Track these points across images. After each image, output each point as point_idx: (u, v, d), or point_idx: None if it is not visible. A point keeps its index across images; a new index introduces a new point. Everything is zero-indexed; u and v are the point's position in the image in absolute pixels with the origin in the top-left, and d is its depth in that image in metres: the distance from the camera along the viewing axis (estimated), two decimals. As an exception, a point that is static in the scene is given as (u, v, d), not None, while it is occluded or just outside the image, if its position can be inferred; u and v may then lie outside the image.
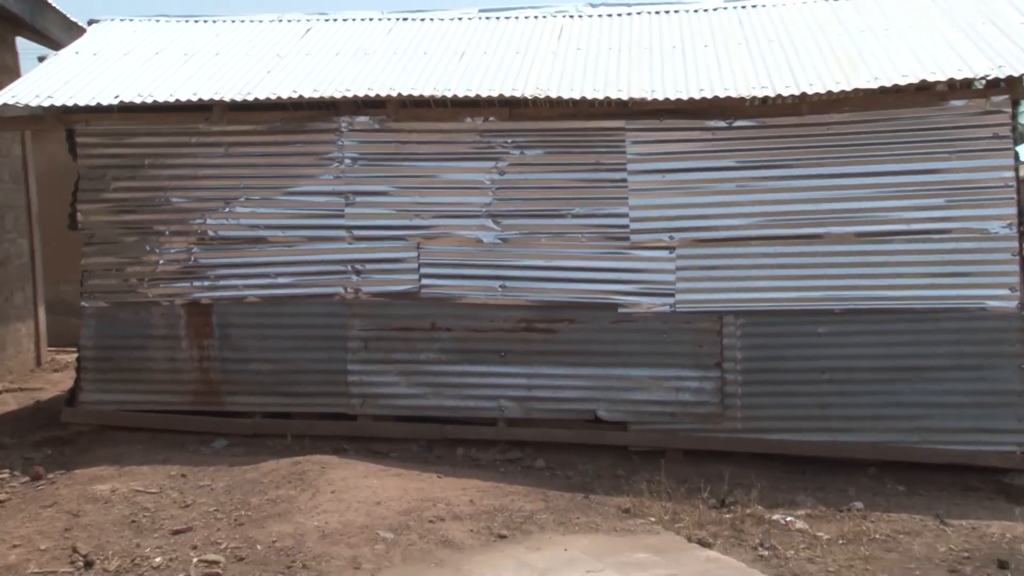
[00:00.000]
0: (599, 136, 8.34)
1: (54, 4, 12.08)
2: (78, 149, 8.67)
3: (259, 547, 6.12)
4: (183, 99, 8.23)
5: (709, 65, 8.51)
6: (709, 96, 7.93)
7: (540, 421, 8.47)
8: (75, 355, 9.16)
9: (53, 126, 8.82)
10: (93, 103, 8.23)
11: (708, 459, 8.17)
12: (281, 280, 8.57)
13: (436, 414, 8.55)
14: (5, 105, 8.28)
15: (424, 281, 8.51)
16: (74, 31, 11.79)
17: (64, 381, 11.00)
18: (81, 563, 5.96)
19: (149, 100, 8.24)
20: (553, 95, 8.12)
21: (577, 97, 8.08)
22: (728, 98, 7.89)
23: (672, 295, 8.29)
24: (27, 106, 8.31)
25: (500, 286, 8.43)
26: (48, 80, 8.73)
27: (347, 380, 8.58)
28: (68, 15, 12.45)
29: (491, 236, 8.44)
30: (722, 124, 8.18)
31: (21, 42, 12.78)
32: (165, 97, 8.24)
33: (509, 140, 8.43)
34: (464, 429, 8.52)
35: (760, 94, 7.89)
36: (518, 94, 8.15)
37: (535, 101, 8.30)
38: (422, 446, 8.51)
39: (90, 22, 10.65)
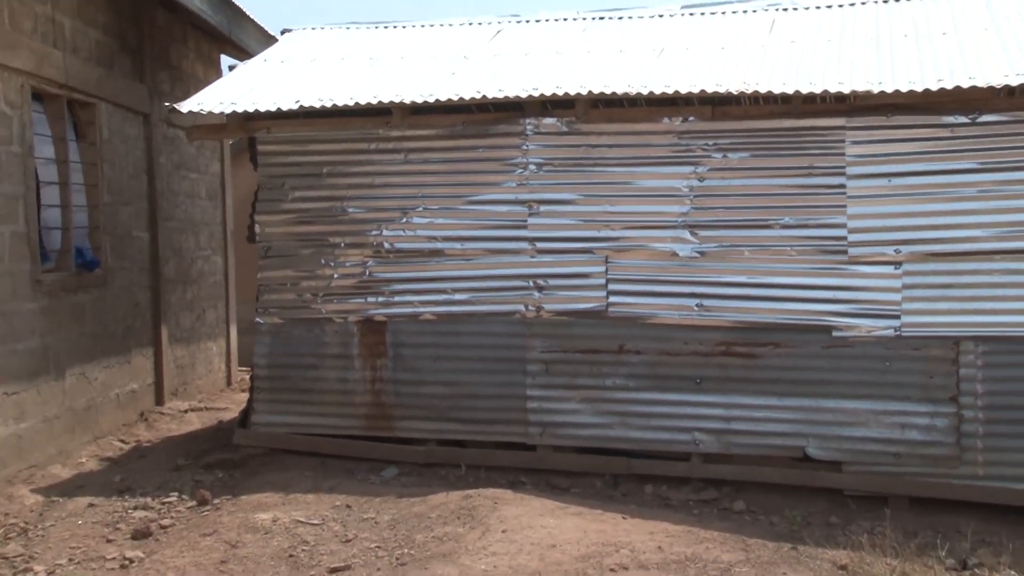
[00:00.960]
0: (814, 136, 7.35)
1: (252, 16, 12.05)
2: (259, 158, 8.36)
3: (420, 591, 5.46)
4: (362, 102, 7.75)
5: (950, 54, 7.41)
6: (949, 87, 6.82)
7: (739, 457, 7.52)
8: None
9: (236, 134, 8.57)
10: (274, 108, 7.88)
11: (941, 509, 7.03)
12: (458, 296, 7.95)
13: (622, 446, 7.72)
14: (190, 113, 8.04)
15: (612, 299, 7.70)
16: (271, 44, 11.70)
17: (250, 401, 10.81)
18: (230, 600, 5.47)
19: (329, 104, 7.81)
20: (762, 90, 7.18)
21: (790, 92, 7.11)
22: (973, 89, 6.76)
23: (897, 317, 7.18)
24: (211, 113, 8.05)
25: (697, 304, 7.53)
26: (233, 88, 8.48)
27: (526, 407, 7.85)
28: (266, 28, 12.43)
29: (688, 249, 7.56)
30: (963, 120, 7.03)
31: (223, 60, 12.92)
32: (345, 101, 7.80)
33: (710, 142, 7.55)
34: (653, 464, 7.66)
35: (1015, 83, 6.69)
36: (722, 90, 7.26)
37: (741, 98, 7.42)
38: (606, 482, 7.70)
39: (283, 32, 10.51)
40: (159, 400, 10.51)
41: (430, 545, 6.11)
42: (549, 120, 7.84)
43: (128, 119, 9.97)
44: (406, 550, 6.08)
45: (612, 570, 5.65)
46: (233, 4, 11.35)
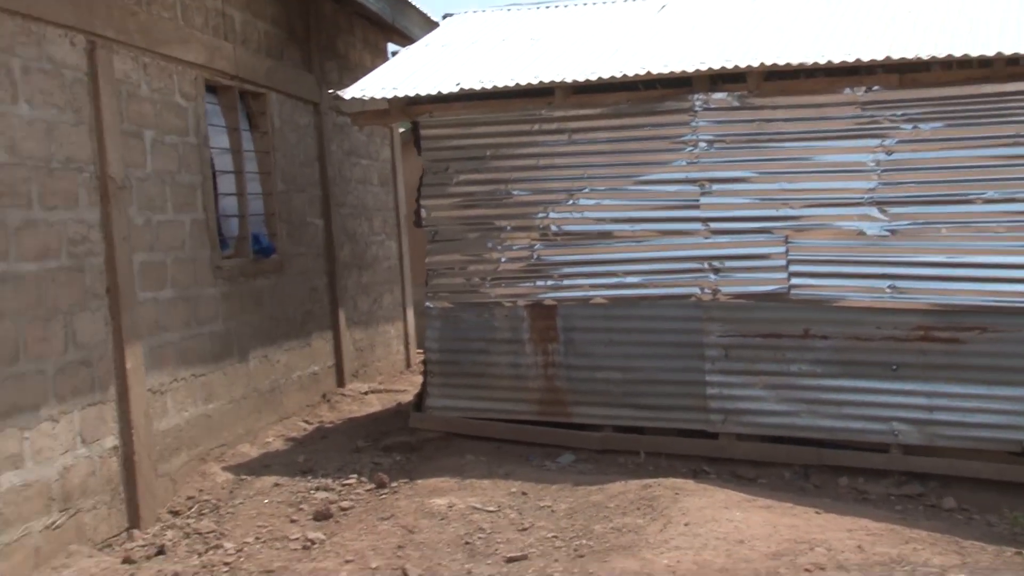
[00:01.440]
0: (1021, 102, 6.75)
1: (413, 3, 12.07)
2: (422, 142, 8.32)
3: (600, 586, 5.29)
4: (523, 83, 7.60)
5: None
6: None
7: (945, 450, 7.02)
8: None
9: (399, 119, 8.56)
10: (435, 92, 7.82)
11: None
12: (630, 279, 7.71)
13: (811, 435, 7.33)
14: (354, 99, 8.07)
15: (794, 280, 7.31)
16: (434, 30, 11.70)
17: (428, 384, 10.90)
18: (409, 588, 5.45)
19: (489, 86, 7.68)
20: (957, 54, 6.64)
21: (991, 54, 6.54)
22: None
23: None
24: (373, 99, 8.06)
25: (889, 286, 7.07)
26: (396, 73, 8.47)
27: (705, 393, 7.56)
28: (428, 15, 12.45)
29: (876, 227, 7.10)
30: None
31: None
32: (506, 82, 7.65)
33: (899, 113, 7.05)
34: (847, 455, 7.26)
35: None
36: (911, 56, 6.75)
37: (933, 63, 6.87)
38: (796, 472, 7.35)
39: (444, 16, 10.48)
40: (340, 382, 10.71)
41: (609, 536, 5.94)
42: (719, 95, 7.48)
43: (298, 108, 10.14)
44: (584, 541, 5.93)
45: (807, 570, 5.32)
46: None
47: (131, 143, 7.10)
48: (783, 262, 7.33)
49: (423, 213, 8.32)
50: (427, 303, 8.33)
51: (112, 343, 6.66)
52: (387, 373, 12.07)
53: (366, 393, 10.62)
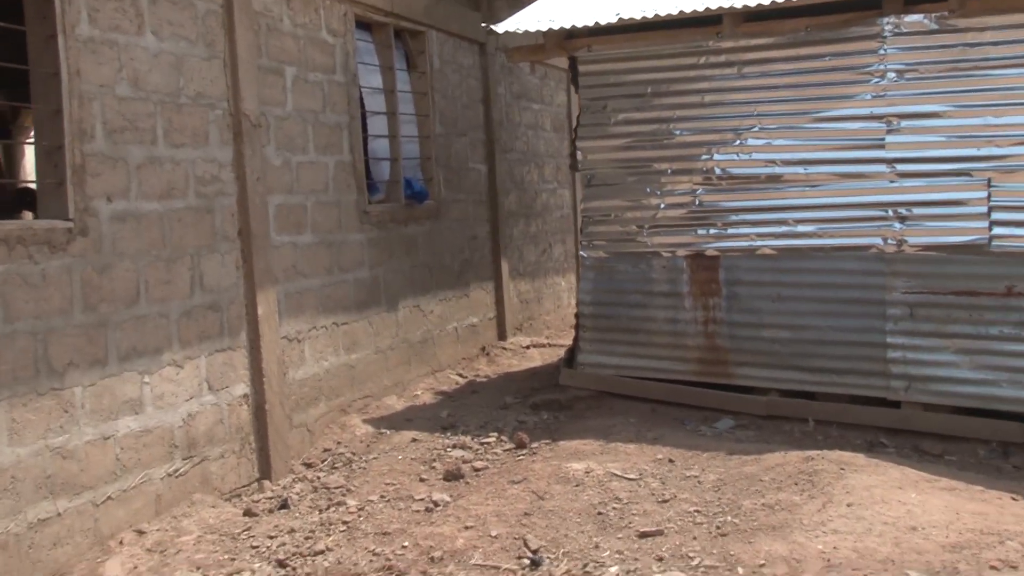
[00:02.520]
0: None
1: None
2: (579, 79, 7.71)
3: (740, 570, 4.63)
4: (688, 11, 6.85)
5: None
6: None
7: None
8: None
9: (556, 54, 7.95)
10: (592, 24, 7.17)
11: None
12: (801, 228, 6.90)
13: (1013, 408, 6.35)
14: (507, 33, 7.53)
15: (997, 230, 6.33)
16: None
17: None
18: (528, 560, 4.94)
19: (651, 15, 6.98)
20: None
21: None
22: None
23: None
24: (527, 32, 7.50)
25: (1120, 238, 5.99)
26: (554, 5, 7.87)
27: (886, 356, 6.69)
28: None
29: (1100, 167, 6.02)
30: None
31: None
32: (669, 10, 6.92)
33: None
34: (1056, 433, 6.25)
35: None
36: None
37: None
38: (992, 450, 6.40)
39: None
40: (501, 335, 10.33)
41: (758, 514, 5.25)
42: (913, 17, 6.52)
43: (461, 48, 9.70)
44: (729, 518, 5.26)
45: (993, 567, 4.47)
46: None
47: (269, 80, 6.83)
48: (983, 208, 6.35)
49: (579, 156, 7.72)
50: (581, 252, 7.77)
51: (244, 288, 6.44)
52: (555, 327, 11.60)
53: (528, 347, 10.18)
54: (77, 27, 5.27)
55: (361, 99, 8.00)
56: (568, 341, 10.80)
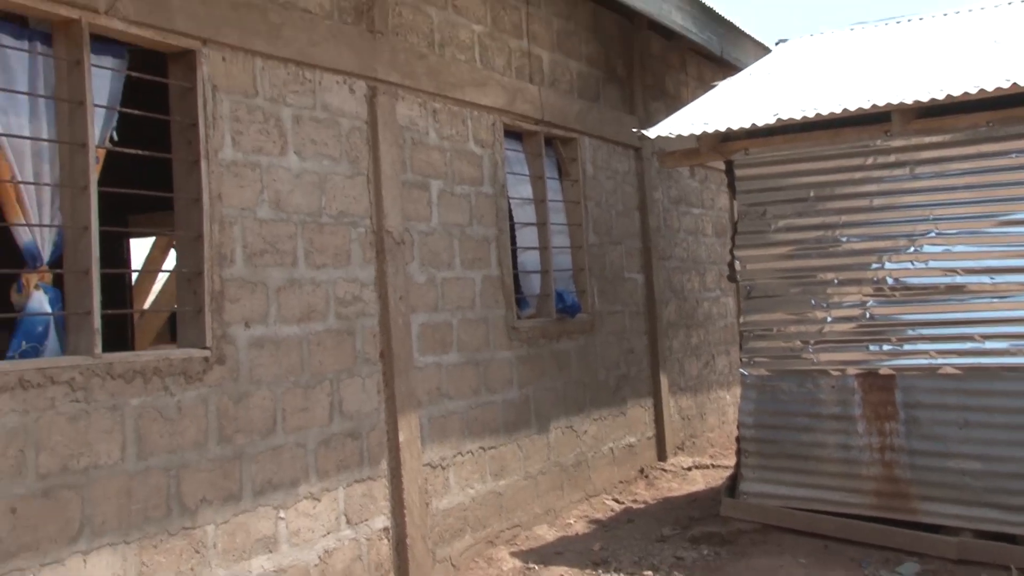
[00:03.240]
0: None
1: (747, 32, 11.04)
2: (736, 184, 7.27)
3: None
4: (853, 109, 6.35)
5: None
6: None
7: None
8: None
9: (711, 157, 7.55)
10: (749, 126, 6.77)
11: None
12: (990, 345, 6.18)
13: None
14: (659, 138, 7.20)
15: None
16: (768, 63, 10.63)
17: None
18: None
19: (812, 115, 6.52)
20: None
21: None
22: None
23: None
24: (679, 136, 7.14)
25: None
26: (710, 107, 7.52)
27: (1099, 493, 5.84)
28: (766, 44, 11.35)
29: None
30: None
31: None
32: (831, 109, 6.45)
33: None
34: None
35: None
36: None
37: None
38: None
39: (777, 43, 9.38)
40: (661, 455, 9.77)
41: None
42: (1114, 108, 5.85)
43: (616, 153, 9.43)
44: None
45: None
46: (724, 20, 10.41)
47: (414, 194, 6.69)
48: None
49: (737, 265, 7.24)
50: (741, 369, 7.21)
51: (385, 412, 6.20)
52: (720, 445, 10.94)
53: (689, 468, 9.58)
54: (220, 151, 5.24)
55: (509, 210, 7.79)
56: (733, 462, 10.17)
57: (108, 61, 4.84)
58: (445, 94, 7.05)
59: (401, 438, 6.22)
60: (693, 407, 10.59)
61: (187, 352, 4.99)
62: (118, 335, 10.18)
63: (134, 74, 5.03)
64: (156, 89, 5.24)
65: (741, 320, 7.21)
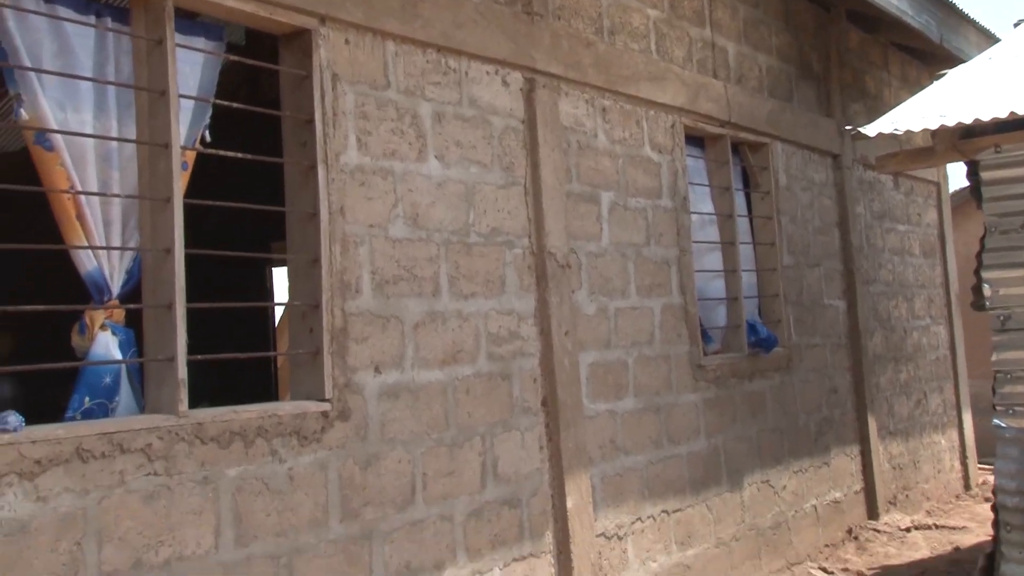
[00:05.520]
0: None
1: (971, 18, 9.44)
2: (983, 189, 5.80)
3: None
4: None
5: None
6: None
7: None
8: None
9: (948, 159, 6.10)
10: (1005, 115, 5.33)
11: None
12: None
13: None
14: (880, 136, 5.81)
15: None
16: (993, 52, 9.05)
17: (992, 519, 8.07)
18: None
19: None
20: None
21: None
22: None
23: None
24: (908, 133, 5.74)
25: None
26: (940, 99, 6.08)
27: None
28: (994, 32, 9.74)
29: None
30: None
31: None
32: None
33: None
34: None
35: None
36: None
37: None
38: None
39: (1016, 24, 7.82)
40: (871, 512, 8.28)
41: None
42: None
43: (811, 161, 8.07)
44: None
45: None
46: (944, 1, 8.87)
47: (581, 208, 5.54)
48: None
49: (986, 291, 5.76)
50: (996, 420, 5.72)
51: (549, 473, 5.06)
52: (936, 498, 9.35)
53: (908, 529, 8.05)
54: (343, 155, 4.22)
55: (690, 227, 6.55)
56: (958, 521, 8.60)
57: (200, 42, 3.87)
58: (616, 89, 5.90)
59: (569, 503, 5.05)
60: (905, 454, 9.03)
61: (301, 406, 3.94)
62: (262, 386, 9.37)
63: (233, 57, 4.05)
64: (266, 78, 4.26)
65: (994, 358, 5.71)
